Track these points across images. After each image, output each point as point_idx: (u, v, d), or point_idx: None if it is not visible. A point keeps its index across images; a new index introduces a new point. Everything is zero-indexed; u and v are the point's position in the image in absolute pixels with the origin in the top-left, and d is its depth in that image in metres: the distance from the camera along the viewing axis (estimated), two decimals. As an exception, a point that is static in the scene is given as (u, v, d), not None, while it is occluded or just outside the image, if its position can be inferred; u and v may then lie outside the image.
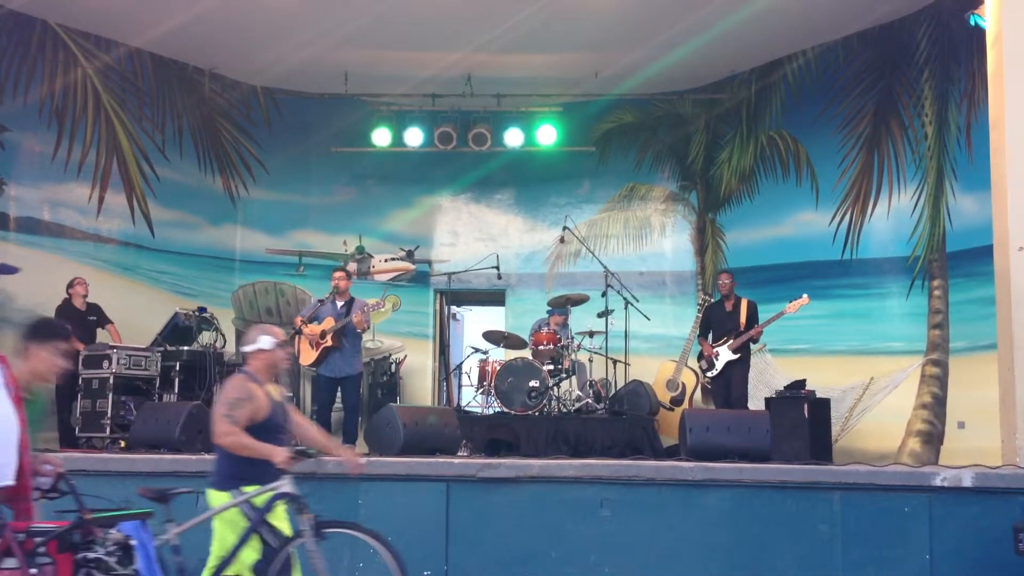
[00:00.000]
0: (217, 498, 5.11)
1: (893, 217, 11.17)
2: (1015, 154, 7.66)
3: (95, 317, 10.34)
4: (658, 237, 13.42)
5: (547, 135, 12.75)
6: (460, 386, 11.96)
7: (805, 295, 9.77)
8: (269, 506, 5.06)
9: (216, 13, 10.73)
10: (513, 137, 12.78)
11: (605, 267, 11.08)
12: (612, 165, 13.52)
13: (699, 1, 10.43)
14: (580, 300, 11.11)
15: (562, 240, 12.50)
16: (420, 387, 13.23)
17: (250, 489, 5.05)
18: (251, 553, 5.01)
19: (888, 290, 11.09)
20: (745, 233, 12.58)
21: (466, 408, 11.00)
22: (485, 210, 13.83)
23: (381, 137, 12.92)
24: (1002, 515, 6.27)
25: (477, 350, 11.11)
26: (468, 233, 13.76)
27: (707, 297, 10.98)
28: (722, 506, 6.58)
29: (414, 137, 12.86)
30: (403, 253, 13.68)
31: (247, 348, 5.31)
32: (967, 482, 6.42)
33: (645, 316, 11.16)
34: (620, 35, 11.36)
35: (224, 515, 5.06)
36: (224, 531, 5.09)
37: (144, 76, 12.35)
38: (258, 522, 5.02)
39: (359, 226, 13.67)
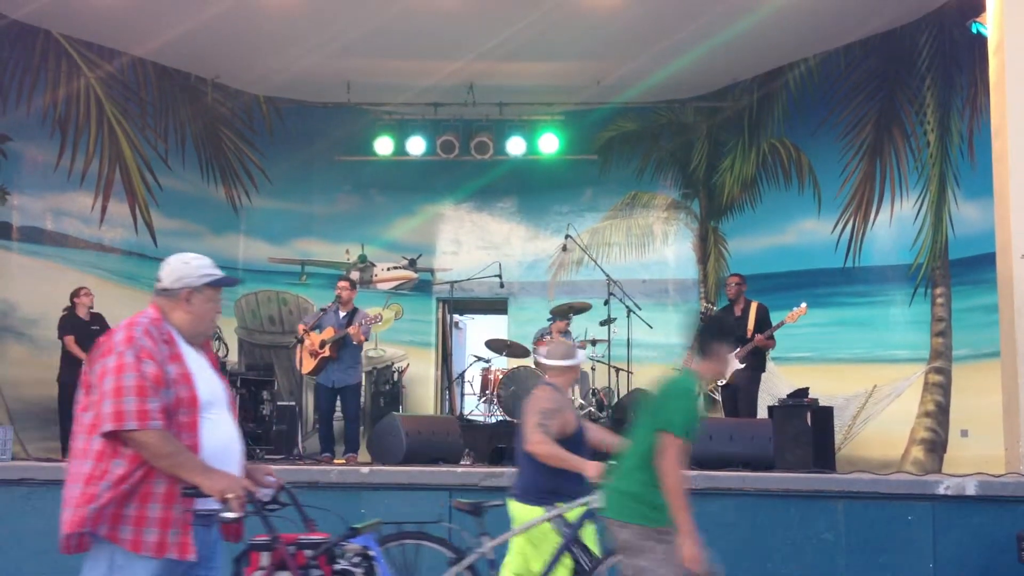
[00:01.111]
0: (524, 511, 4.96)
1: (895, 225, 11.16)
2: (1017, 162, 7.65)
3: (99, 327, 10.34)
4: (660, 245, 13.42)
5: (549, 143, 12.76)
6: (463, 395, 11.96)
7: (804, 304, 9.69)
8: (581, 522, 4.88)
9: (219, 23, 10.75)
10: (515, 145, 12.78)
11: (607, 275, 11.08)
12: (614, 173, 13.53)
13: (701, 9, 10.45)
14: (583, 308, 11.11)
15: (564, 248, 12.52)
16: (423, 396, 13.22)
17: (560, 503, 4.90)
18: (563, 572, 4.86)
19: (891, 298, 11.08)
20: (747, 241, 12.58)
21: (469, 417, 11.00)
22: (487, 218, 13.83)
23: (383, 146, 12.93)
24: (1006, 523, 6.26)
25: (479, 359, 11.11)
26: (470, 242, 13.77)
27: (709, 305, 10.98)
28: (725, 515, 6.57)
29: (416, 146, 12.87)
30: (405, 262, 13.69)
31: (555, 362, 5.21)
32: (971, 490, 6.41)
33: (648, 324, 11.16)
34: (622, 43, 11.38)
35: (531, 530, 4.93)
36: (527, 547, 4.95)
37: (147, 85, 12.38)
38: (572, 539, 4.85)
39: (362, 235, 13.68)
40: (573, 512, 4.87)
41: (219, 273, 3.73)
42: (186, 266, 3.67)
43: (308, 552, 3.70)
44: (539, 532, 4.89)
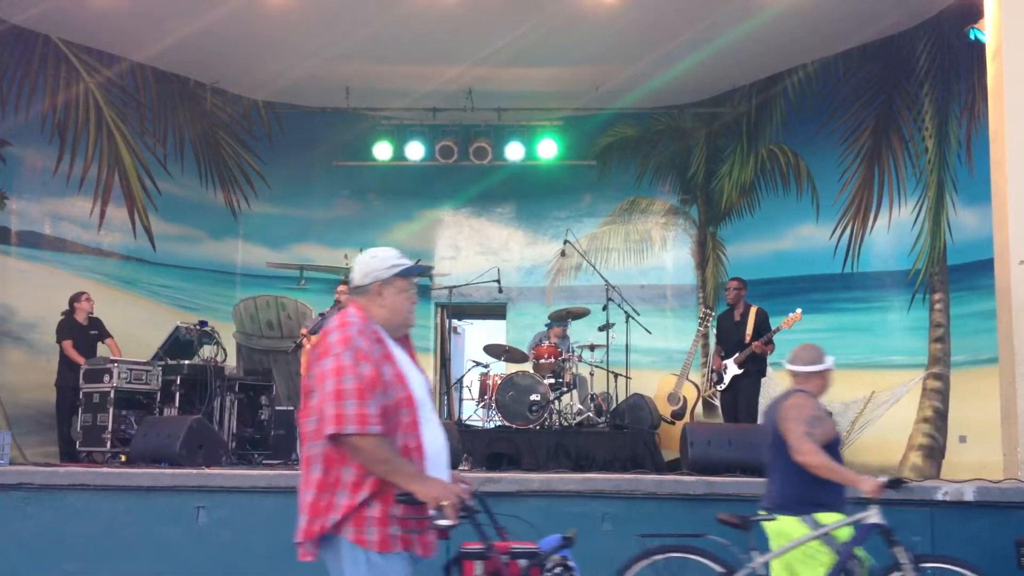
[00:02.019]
0: (786, 524, 4.75)
1: (894, 230, 11.18)
2: (1015, 167, 7.66)
3: (96, 331, 10.34)
4: (659, 250, 13.43)
5: (548, 149, 12.79)
6: (461, 400, 11.94)
7: (799, 310, 9.70)
8: (861, 538, 4.67)
9: (218, 28, 10.76)
10: (514, 151, 12.81)
11: (606, 280, 11.08)
12: (613, 179, 13.54)
13: (699, 15, 10.46)
14: (581, 314, 11.11)
15: (563, 254, 12.52)
16: (421, 401, 13.19)
17: (826, 517, 4.70)
18: None
19: (889, 304, 11.09)
20: (746, 246, 12.58)
21: (467, 422, 10.98)
22: (486, 224, 13.84)
23: (382, 151, 12.96)
24: (1004, 529, 6.25)
25: (478, 364, 11.10)
26: (469, 247, 13.78)
27: (708, 311, 10.97)
28: (724, 520, 6.56)
29: (415, 151, 12.89)
30: (404, 267, 13.66)
31: (805, 368, 5.00)
32: (969, 496, 6.41)
33: (646, 329, 11.16)
34: (620, 49, 11.39)
35: (802, 546, 4.68)
36: (796, 563, 4.72)
37: (146, 90, 12.38)
38: (848, 556, 4.62)
39: (360, 240, 13.61)
40: (846, 528, 4.71)
41: (407, 263, 3.62)
42: (373, 260, 3.57)
43: (522, 562, 3.61)
44: (811, 547, 4.69)
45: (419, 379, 3.52)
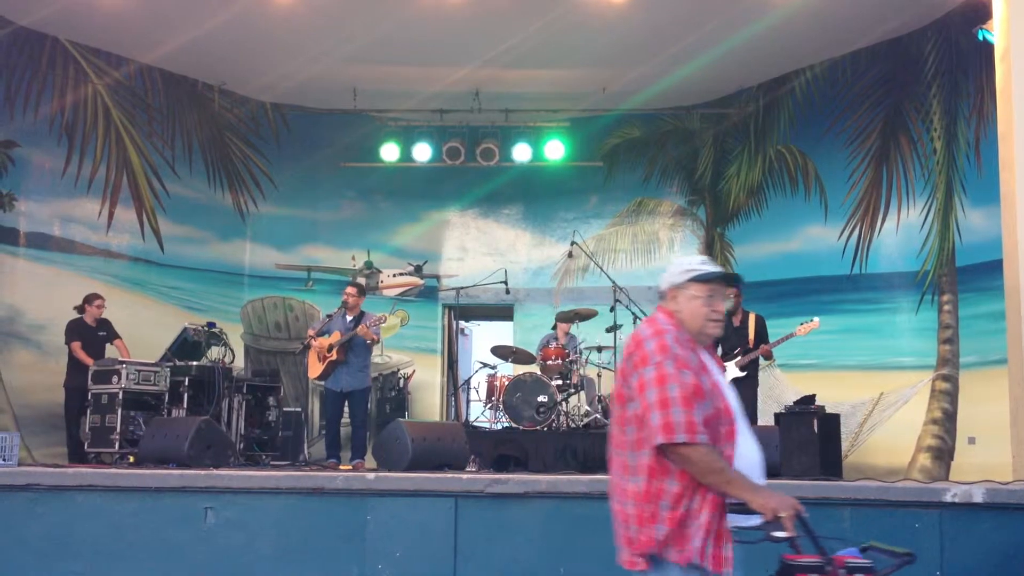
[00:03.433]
0: None
1: (902, 232, 11.15)
2: (1024, 168, 7.64)
3: (105, 332, 10.36)
4: (666, 252, 13.41)
5: (555, 150, 12.79)
6: (468, 401, 11.94)
7: (816, 319, 9.57)
8: None
9: (225, 30, 10.79)
10: (521, 152, 12.81)
11: (613, 282, 11.07)
12: (620, 180, 13.53)
13: (706, 17, 10.45)
14: (588, 315, 11.11)
15: (570, 255, 12.50)
16: (428, 402, 13.22)
17: None
18: None
19: (897, 305, 11.06)
20: (754, 248, 12.56)
21: (474, 423, 10.98)
22: (493, 225, 13.84)
23: (389, 152, 12.97)
24: (1014, 531, 6.23)
25: (485, 365, 11.10)
26: (476, 248, 13.78)
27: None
28: (732, 522, 6.55)
29: (422, 152, 12.91)
30: (411, 268, 13.70)
31: None
32: (978, 498, 6.38)
33: (654, 331, 11.12)
34: (627, 50, 11.38)
35: None
36: None
37: (154, 92, 12.41)
38: None
39: (367, 241, 13.69)
40: None
41: (706, 269, 3.47)
42: (674, 266, 3.52)
43: None
44: None
45: (730, 390, 3.42)
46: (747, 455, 3.34)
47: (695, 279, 3.44)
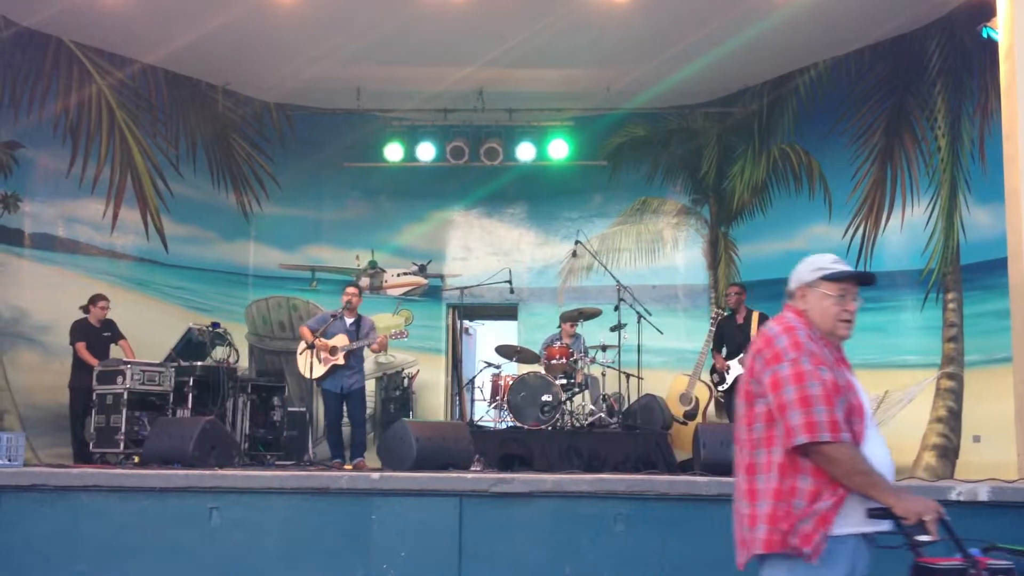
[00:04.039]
0: None
1: (907, 230, 11.13)
2: (1029, 166, 7.62)
3: (109, 333, 10.38)
4: (670, 251, 13.40)
5: (559, 149, 12.78)
6: (473, 400, 11.96)
7: None
8: None
9: (229, 30, 10.79)
10: (525, 151, 12.80)
11: (617, 281, 11.07)
12: (624, 179, 13.52)
13: (710, 15, 10.44)
14: (593, 314, 11.11)
15: (574, 254, 12.51)
16: (433, 402, 13.22)
17: None
18: None
19: (902, 303, 11.04)
20: (758, 246, 12.55)
21: (479, 423, 10.99)
22: (497, 224, 13.84)
23: (393, 152, 12.97)
24: (1019, 529, 6.22)
25: (490, 364, 11.10)
26: (480, 247, 13.78)
27: (720, 311, 10.97)
28: (736, 521, 6.54)
29: (426, 152, 12.90)
30: (415, 267, 13.70)
31: None
32: (983, 496, 6.37)
33: (658, 330, 11.15)
34: (631, 49, 11.38)
35: None
36: None
37: (158, 92, 12.42)
38: None
39: (371, 241, 13.69)
40: None
41: (837, 267, 3.40)
42: (803, 264, 3.45)
43: None
44: None
45: (861, 389, 3.36)
46: (877, 455, 3.26)
47: (826, 278, 3.38)
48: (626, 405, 10.64)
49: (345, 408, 9.97)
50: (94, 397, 9.71)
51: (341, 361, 9.70)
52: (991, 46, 9.05)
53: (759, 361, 3.29)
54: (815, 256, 3.48)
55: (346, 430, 10.09)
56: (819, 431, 3.10)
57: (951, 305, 10.52)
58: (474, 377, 11.65)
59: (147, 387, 9.67)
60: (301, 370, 9.88)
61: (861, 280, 3.46)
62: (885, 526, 3.17)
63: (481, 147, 12.78)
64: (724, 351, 10.26)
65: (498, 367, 11.00)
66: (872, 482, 3.13)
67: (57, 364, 10.52)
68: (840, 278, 3.38)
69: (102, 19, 10.76)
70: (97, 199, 11.73)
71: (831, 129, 11.82)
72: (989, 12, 8.88)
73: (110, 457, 9.52)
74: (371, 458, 9.88)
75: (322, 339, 9.76)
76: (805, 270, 3.43)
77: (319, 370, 9.76)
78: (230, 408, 10.05)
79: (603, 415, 10.35)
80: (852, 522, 3.19)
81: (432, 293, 13.70)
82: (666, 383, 11.41)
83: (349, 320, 9.93)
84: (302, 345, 9.89)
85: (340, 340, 9.76)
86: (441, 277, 13.71)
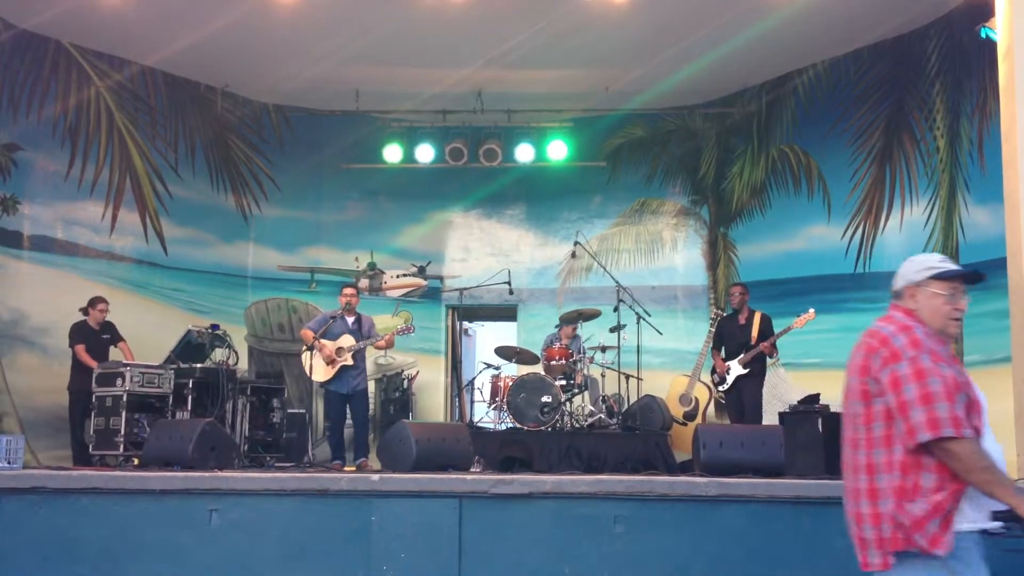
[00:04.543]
0: None
1: (906, 230, 11.14)
2: (1028, 166, 7.62)
3: (108, 335, 10.37)
4: (670, 251, 13.41)
5: (558, 150, 12.78)
6: (472, 402, 11.95)
7: (812, 310, 9.77)
8: None
9: (228, 32, 10.79)
10: (524, 152, 12.81)
11: (617, 282, 11.07)
12: (623, 180, 13.53)
13: (709, 16, 10.45)
14: (592, 315, 11.10)
15: (573, 255, 12.51)
16: (432, 403, 13.23)
17: None
18: None
19: (902, 303, 11.03)
20: (757, 247, 12.56)
21: (478, 424, 10.98)
22: (496, 225, 13.84)
23: (392, 153, 12.97)
24: (1019, 530, 6.22)
25: (489, 365, 11.10)
26: (479, 249, 13.78)
27: (719, 311, 10.97)
28: (736, 522, 6.54)
29: (425, 153, 12.90)
30: (415, 269, 13.70)
31: None
32: (983, 497, 6.37)
33: (657, 331, 11.15)
34: (630, 50, 11.38)
35: None
36: None
37: (156, 95, 12.42)
38: None
39: (371, 242, 13.69)
40: None
41: (947, 266, 3.42)
42: (908, 263, 3.48)
43: None
44: None
45: (979, 388, 3.36)
46: (992, 452, 3.25)
47: (936, 276, 3.40)
48: (626, 406, 10.64)
49: (348, 409, 9.96)
50: (94, 399, 9.71)
51: (350, 362, 9.73)
52: (990, 46, 9.06)
53: (876, 361, 3.29)
54: (922, 256, 3.50)
55: (347, 431, 10.08)
56: (942, 427, 3.12)
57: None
58: (474, 378, 11.65)
59: (146, 389, 9.67)
60: (309, 373, 9.88)
61: (971, 278, 3.47)
62: (995, 524, 3.20)
63: (480, 148, 12.78)
64: (723, 351, 10.25)
65: (498, 368, 11.00)
66: (994, 479, 3.13)
67: (56, 366, 10.52)
68: (950, 276, 3.41)
69: (101, 21, 10.76)
70: (96, 201, 11.73)
71: (830, 129, 11.82)
72: (988, 12, 8.89)
73: (110, 459, 9.52)
74: (372, 459, 9.89)
75: (326, 341, 9.75)
76: (913, 270, 3.45)
77: (327, 372, 9.76)
78: (229, 410, 10.04)
79: (603, 416, 10.35)
80: (973, 518, 3.21)
81: (431, 294, 13.71)
82: (666, 384, 11.41)
83: (350, 320, 9.94)
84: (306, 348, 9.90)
85: (346, 340, 9.76)
86: (440, 278, 13.71)
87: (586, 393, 10.61)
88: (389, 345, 10.09)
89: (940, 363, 3.21)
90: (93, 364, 9.92)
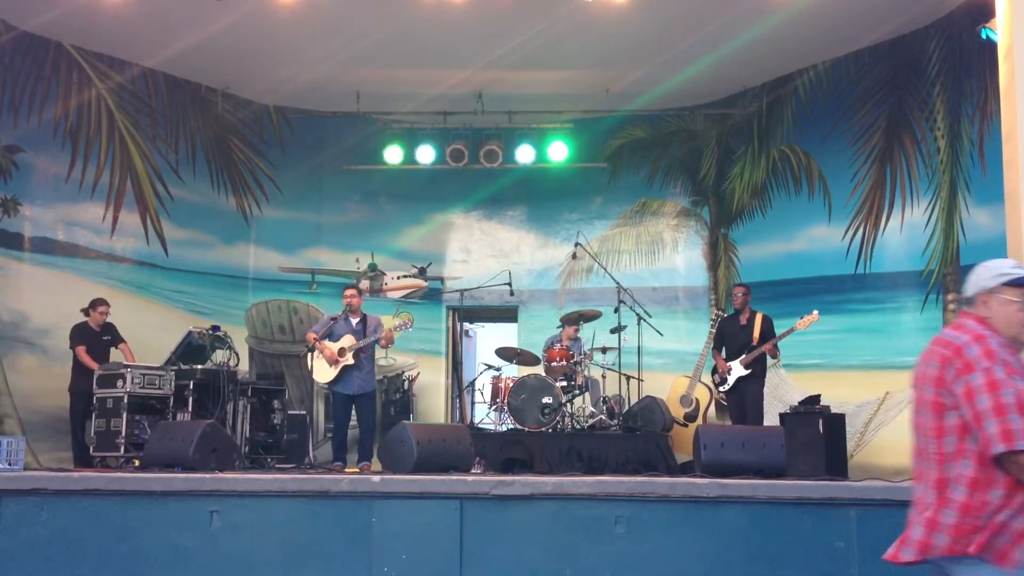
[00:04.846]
0: None
1: (906, 231, 11.13)
2: (1028, 167, 7.62)
3: (109, 336, 10.38)
4: (670, 252, 13.41)
5: (558, 151, 12.77)
6: (473, 403, 11.95)
7: (815, 311, 9.78)
8: None
9: (228, 34, 10.80)
10: (524, 154, 12.80)
11: (617, 283, 11.07)
12: (624, 181, 13.53)
13: (709, 17, 10.45)
14: (593, 316, 11.11)
15: (574, 256, 12.51)
16: (433, 404, 13.22)
17: None
18: None
19: (902, 304, 11.04)
20: (758, 248, 12.55)
21: (479, 425, 10.98)
22: (497, 227, 13.84)
23: (393, 155, 12.97)
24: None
25: (490, 367, 11.10)
26: (480, 250, 13.78)
27: (720, 312, 10.97)
28: (737, 523, 6.54)
29: (426, 154, 12.90)
30: (415, 270, 13.71)
31: None
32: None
33: (658, 332, 11.16)
34: (631, 51, 11.38)
35: None
36: None
37: (157, 96, 12.43)
38: None
39: (371, 243, 13.70)
40: None
41: (1020, 272, 3.36)
42: (983, 269, 3.41)
43: None
44: None
45: None
46: None
47: (1010, 283, 3.35)
48: (626, 407, 10.64)
49: (354, 411, 9.94)
50: (94, 401, 9.72)
51: (351, 362, 9.72)
52: (990, 47, 9.06)
53: (950, 372, 3.28)
54: (994, 261, 3.45)
55: (351, 433, 10.08)
56: (1016, 440, 3.09)
57: (951, 306, 10.52)
58: (474, 379, 11.66)
59: (147, 391, 9.68)
60: (313, 375, 9.90)
61: None
62: None
63: (481, 149, 12.78)
64: (724, 352, 10.25)
65: (498, 369, 11.00)
66: None
67: (57, 368, 10.52)
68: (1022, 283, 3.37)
69: (101, 23, 10.77)
70: (97, 203, 11.73)
71: (830, 130, 11.82)
72: (988, 13, 8.89)
73: (110, 461, 9.52)
74: (374, 464, 9.88)
75: (327, 342, 9.75)
76: (985, 276, 3.41)
77: (329, 374, 9.76)
78: (230, 411, 10.05)
79: (603, 417, 10.36)
80: None
81: (432, 295, 13.71)
82: (666, 385, 11.41)
83: (355, 320, 9.94)
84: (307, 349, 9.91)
85: (347, 341, 9.77)
86: (441, 279, 13.71)
87: (587, 394, 10.61)
88: (389, 342, 10.05)
89: (1014, 375, 3.18)
90: (94, 366, 9.93)
